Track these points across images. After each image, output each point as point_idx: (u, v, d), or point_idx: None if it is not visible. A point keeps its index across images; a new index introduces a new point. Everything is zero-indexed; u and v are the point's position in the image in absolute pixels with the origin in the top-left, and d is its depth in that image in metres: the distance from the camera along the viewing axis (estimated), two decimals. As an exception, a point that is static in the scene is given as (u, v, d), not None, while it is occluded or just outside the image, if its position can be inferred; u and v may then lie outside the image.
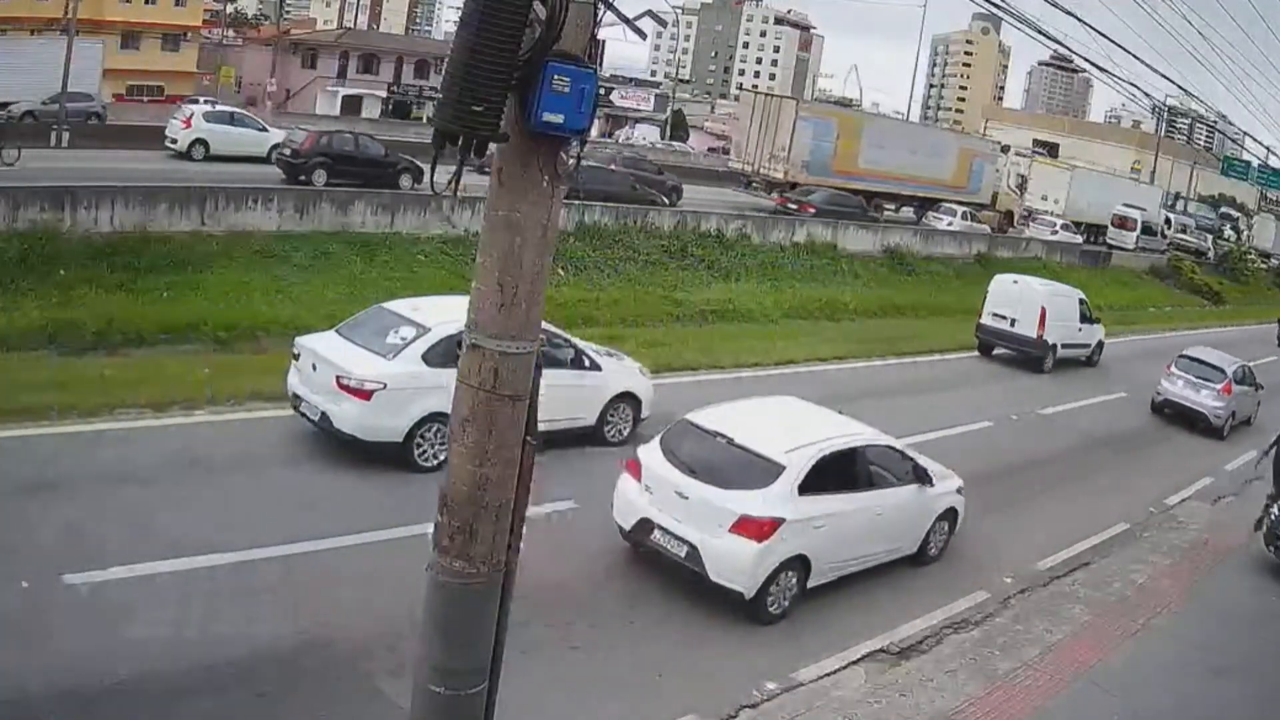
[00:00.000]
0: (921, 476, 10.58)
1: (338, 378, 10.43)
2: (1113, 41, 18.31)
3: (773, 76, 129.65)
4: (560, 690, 7.45)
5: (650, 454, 9.60)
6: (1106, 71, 52.48)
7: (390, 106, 59.27)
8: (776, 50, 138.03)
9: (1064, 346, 22.69)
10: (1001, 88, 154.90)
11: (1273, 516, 13.02)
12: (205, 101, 33.49)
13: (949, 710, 8.24)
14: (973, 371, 21.73)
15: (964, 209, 39.80)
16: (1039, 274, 27.58)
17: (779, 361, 18.96)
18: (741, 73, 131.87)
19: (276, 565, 8.48)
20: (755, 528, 8.70)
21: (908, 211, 39.84)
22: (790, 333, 22.26)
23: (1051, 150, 67.44)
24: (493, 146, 3.86)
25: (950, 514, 11.12)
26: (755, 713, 7.86)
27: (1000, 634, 9.83)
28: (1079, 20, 17.39)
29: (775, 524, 8.77)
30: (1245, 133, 56.33)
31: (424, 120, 50.54)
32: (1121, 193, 51.90)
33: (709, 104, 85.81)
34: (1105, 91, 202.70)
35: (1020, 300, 22.13)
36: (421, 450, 10.69)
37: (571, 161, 4.06)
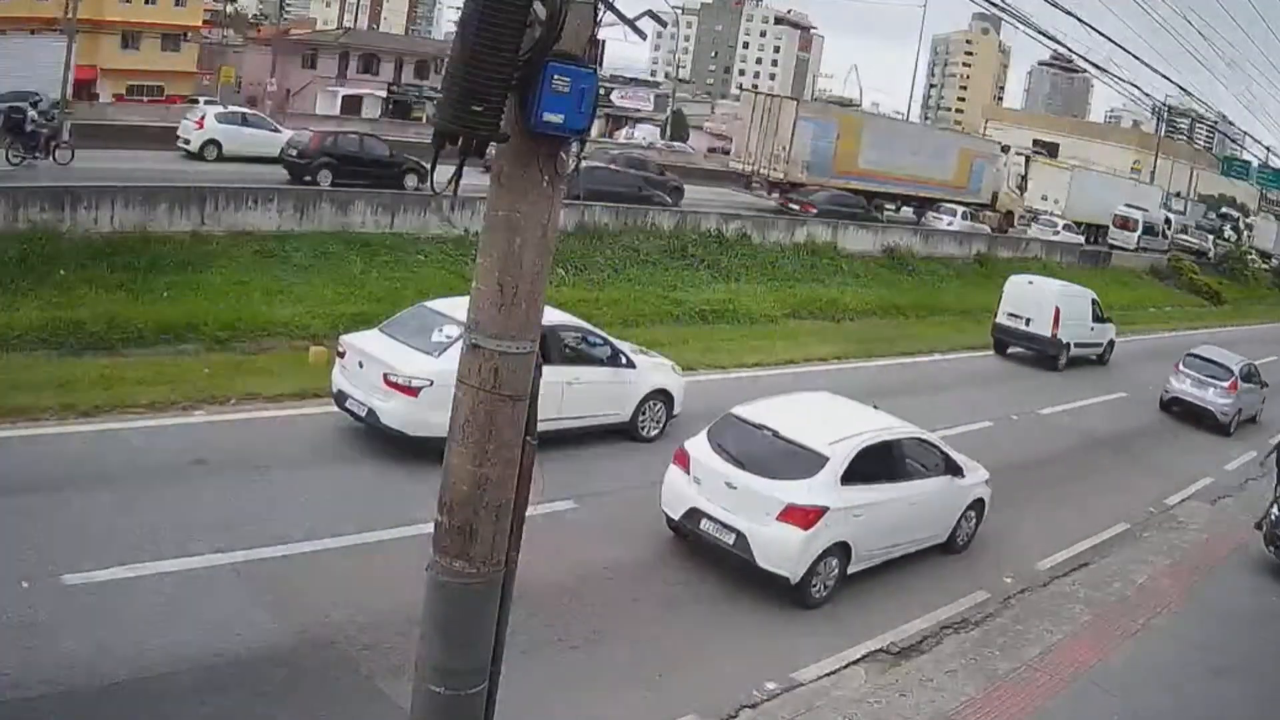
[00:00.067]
0: (952, 468, 11.05)
1: (385, 375, 10.68)
2: (1113, 42, 18.33)
3: (773, 76, 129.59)
4: (560, 690, 7.45)
5: (698, 447, 9.99)
6: (1107, 72, 52.51)
7: (390, 106, 59.19)
8: (776, 50, 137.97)
9: (1077, 345, 23.31)
10: (1001, 88, 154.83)
11: (1273, 516, 13.04)
12: (207, 102, 33.43)
13: (949, 710, 8.24)
14: (973, 371, 21.75)
15: (964, 209, 39.82)
16: (1039, 274, 27.61)
17: (779, 361, 18.97)
18: (741, 73, 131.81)
19: (277, 565, 8.48)
20: (801, 516, 9.11)
21: (908, 211, 39.83)
22: (790, 333, 22.28)
23: (1051, 150, 67.34)
24: (493, 146, 3.86)
25: (978, 505, 11.58)
26: (755, 713, 7.86)
27: (1000, 634, 9.84)
28: (1079, 20, 17.42)
29: (820, 512, 9.17)
30: (1245, 133, 56.28)
31: (424, 120, 50.49)
32: (1121, 193, 51.95)
33: (709, 104, 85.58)
34: (1105, 91, 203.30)
35: (1035, 300, 22.81)
36: None
37: (572, 162, 4.06)
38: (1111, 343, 24.89)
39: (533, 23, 3.67)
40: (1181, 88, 41.30)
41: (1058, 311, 22.57)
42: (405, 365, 10.68)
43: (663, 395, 13.11)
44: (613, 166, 30.41)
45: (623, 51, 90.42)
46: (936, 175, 39.75)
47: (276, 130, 27.92)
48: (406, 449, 10.73)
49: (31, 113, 22.70)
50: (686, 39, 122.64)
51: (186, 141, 26.99)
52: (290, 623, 7.73)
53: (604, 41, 4.22)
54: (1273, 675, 10.26)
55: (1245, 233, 65.84)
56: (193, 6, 56.98)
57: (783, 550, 9.16)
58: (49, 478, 9.42)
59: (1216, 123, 73.56)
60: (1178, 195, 66.92)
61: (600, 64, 4.17)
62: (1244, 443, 19.63)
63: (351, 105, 57.14)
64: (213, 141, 26.86)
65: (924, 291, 29.81)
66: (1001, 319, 23.28)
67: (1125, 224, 48.08)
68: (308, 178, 23.52)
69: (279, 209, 19.73)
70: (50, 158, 22.10)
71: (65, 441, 10.45)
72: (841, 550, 9.56)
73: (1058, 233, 44.10)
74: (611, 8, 4.00)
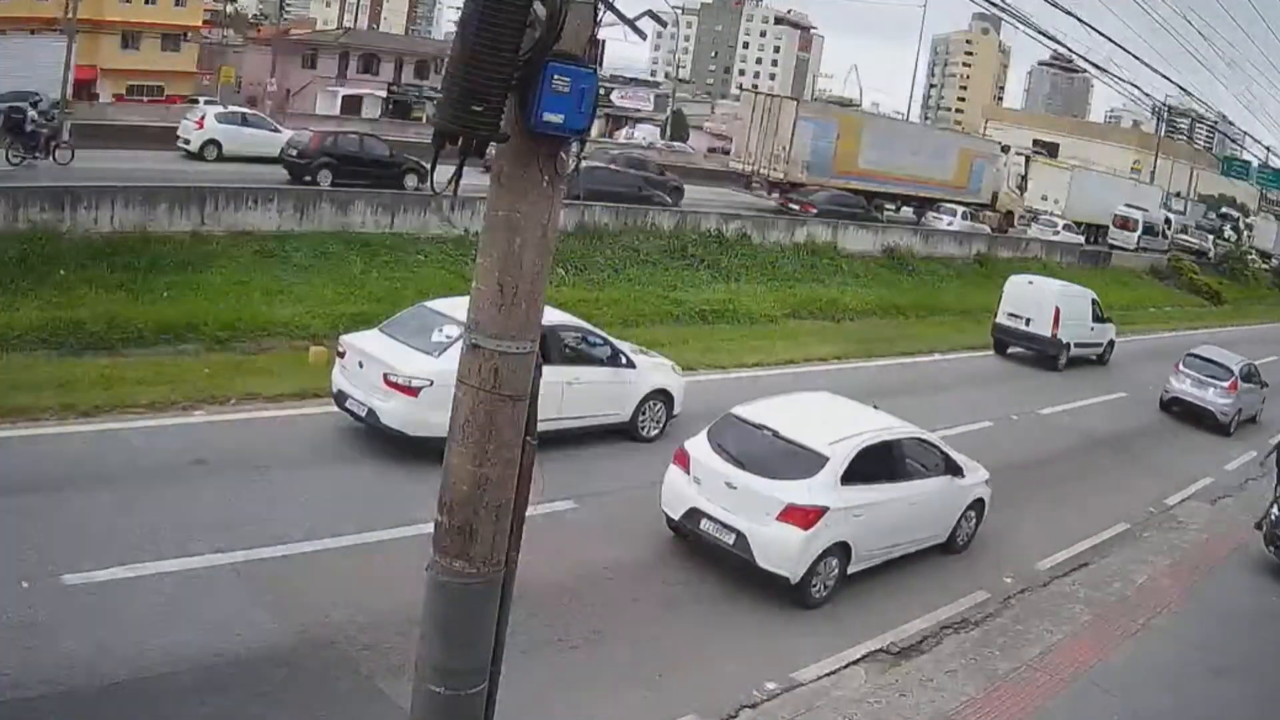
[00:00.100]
0: (952, 468, 11.07)
1: (385, 375, 10.70)
2: (1113, 42, 18.34)
3: (773, 76, 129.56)
4: (560, 690, 7.45)
5: (698, 447, 10.00)
6: (1107, 72, 52.51)
7: (390, 106, 59.18)
8: (776, 50, 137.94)
9: (1077, 345, 23.37)
10: (1001, 88, 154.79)
11: (1273, 516, 13.04)
12: (207, 102, 33.37)
13: (949, 710, 8.24)
14: (972, 371, 21.75)
15: (964, 209, 39.82)
16: (1039, 274, 27.65)
17: (779, 362, 18.97)
18: (741, 73, 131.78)
19: (277, 565, 8.48)
20: (801, 516, 9.13)
21: (908, 211, 39.83)
22: (790, 333, 22.29)
23: (1051, 150, 67.36)
24: (493, 146, 3.86)
25: (978, 505, 11.60)
26: (755, 713, 7.86)
27: (1000, 634, 9.84)
28: (1079, 20, 17.43)
29: (820, 512, 9.19)
30: (1245, 132, 56.28)
31: (424, 120, 50.48)
32: (1121, 193, 51.95)
33: (709, 104, 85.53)
34: (1105, 91, 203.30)
35: (1035, 300, 22.88)
36: None
37: (572, 162, 4.06)
38: (1111, 343, 24.93)
39: (533, 23, 3.67)
40: (1181, 88, 41.42)
41: (1058, 311, 22.62)
42: (405, 365, 10.69)
43: (663, 395, 13.12)
44: (613, 166, 30.40)
45: (623, 51, 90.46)
46: (936, 175, 39.75)
47: (276, 130, 27.94)
48: (406, 449, 10.73)
49: (31, 113, 22.73)
50: (686, 39, 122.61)
51: (186, 141, 27.01)
52: (290, 623, 7.73)
53: (604, 41, 4.22)
54: (1273, 675, 10.26)
55: (1245, 233, 65.85)
56: (193, 6, 56.99)
57: (783, 550, 9.17)
58: (49, 478, 9.42)
59: (1216, 123, 73.54)
60: (1178, 195, 66.93)
61: (600, 64, 4.17)
62: (1244, 443, 19.64)
63: (351, 105, 57.12)
64: (213, 141, 26.88)
65: (924, 291, 29.81)
66: (1001, 319, 23.33)
67: (1125, 224, 48.11)
68: (308, 178, 23.52)
69: (279, 209, 19.73)
70: (50, 158, 22.12)
71: (65, 441, 10.45)
72: (841, 550, 9.57)
73: (1058, 233, 44.12)
74: (611, 8, 4.00)
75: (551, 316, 12.08)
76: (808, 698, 8.14)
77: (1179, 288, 44.41)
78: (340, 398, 11.38)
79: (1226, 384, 20.39)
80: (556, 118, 3.79)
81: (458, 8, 5.70)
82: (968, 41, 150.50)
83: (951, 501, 11.15)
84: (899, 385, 18.53)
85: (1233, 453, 18.92)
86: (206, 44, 61.27)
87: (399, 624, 7.01)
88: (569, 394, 11.39)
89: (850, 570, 9.79)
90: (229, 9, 76.27)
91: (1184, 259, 48.09)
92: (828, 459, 9.47)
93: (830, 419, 10.49)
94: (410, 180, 24.93)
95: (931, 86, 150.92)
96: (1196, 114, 70.49)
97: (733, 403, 10.65)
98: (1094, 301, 24.13)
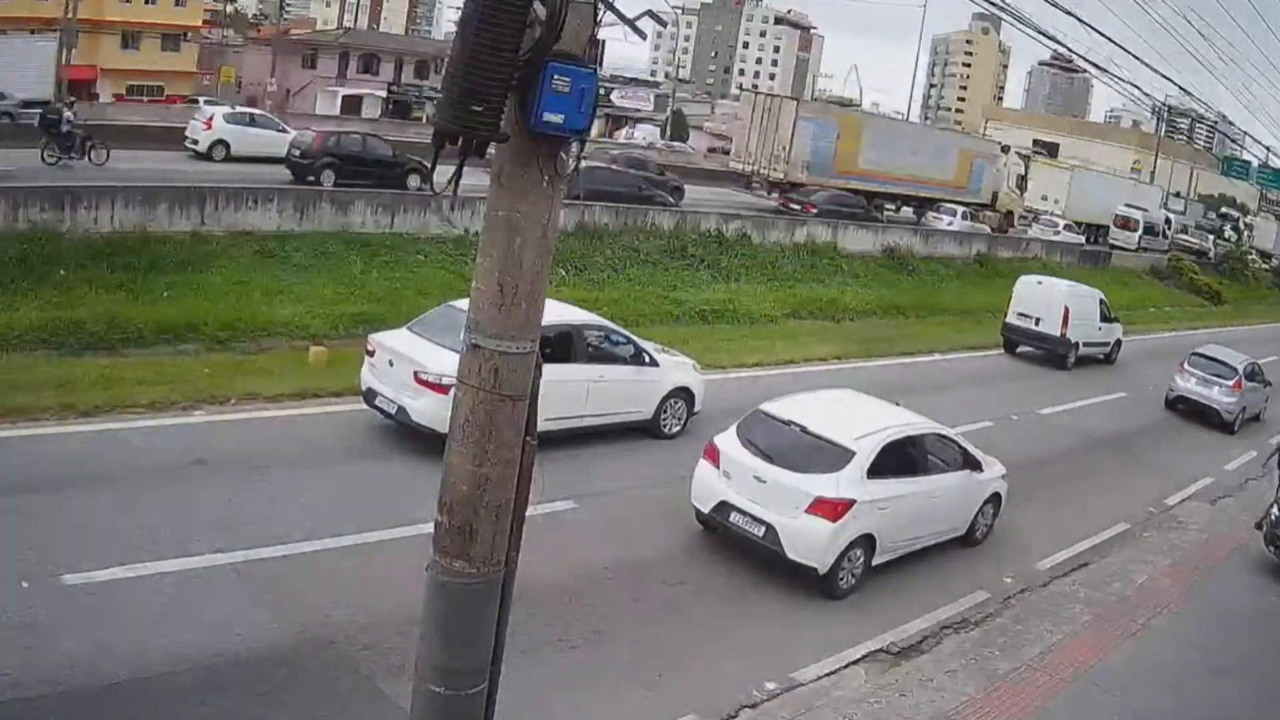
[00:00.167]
0: (971, 463, 11.38)
1: (415, 373, 10.85)
2: (1113, 42, 18.34)
3: (773, 76, 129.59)
4: (560, 690, 7.45)
5: (728, 442, 10.23)
6: (1107, 72, 52.51)
7: (390, 106, 59.20)
8: (776, 50, 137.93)
9: (1085, 345, 23.66)
10: (1001, 88, 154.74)
11: (1273, 516, 13.03)
12: (207, 102, 33.36)
13: (949, 710, 8.24)
14: (972, 371, 21.75)
15: (964, 209, 39.81)
16: (1039, 274, 27.66)
17: (779, 361, 18.98)
18: (741, 73, 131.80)
19: (277, 565, 8.48)
20: (829, 508, 9.38)
21: (908, 211, 39.83)
22: (790, 333, 22.29)
23: (1051, 150, 67.38)
24: (493, 146, 3.86)
25: (995, 499, 11.83)
26: (755, 713, 7.86)
27: (1000, 634, 9.84)
28: (1079, 20, 17.43)
29: (847, 505, 9.43)
30: (1245, 132, 56.24)
31: (424, 120, 50.49)
32: (1121, 193, 51.96)
33: (709, 104, 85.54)
34: (1105, 91, 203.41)
35: (1044, 300, 23.14)
36: None
37: (572, 162, 4.06)
38: (1119, 342, 25.17)
39: (533, 23, 3.67)
40: (1181, 88, 41.37)
41: (1067, 311, 22.81)
42: (435, 363, 10.75)
43: (684, 393, 13.32)
44: (613, 166, 30.39)
45: (623, 51, 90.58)
46: (936, 175, 39.75)
47: (283, 130, 27.98)
48: (406, 449, 10.75)
49: (68, 114, 22.85)
50: (686, 39, 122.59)
51: (195, 142, 27.09)
52: (290, 623, 7.73)
53: (604, 41, 4.23)
54: (1273, 675, 10.26)
55: (1245, 233, 65.87)
56: (193, 6, 56.97)
57: (811, 542, 9.39)
58: (49, 478, 9.42)
59: (1216, 123, 73.54)
60: (1178, 195, 66.87)
61: (600, 64, 4.17)
62: (1244, 442, 19.66)
63: (351, 105, 57.14)
64: (221, 142, 27.01)
65: (924, 291, 29.81)
66: (1011, 319, 23.58)
67: (1126, 224, 48.17)
68: (311, 178, 23.53)
69: (279, 209, 19.72)
70: (86, 158, 22.27)
71: (65, 441, 10.45)
72: (867, 542, 9.80)
73: (1058, 233, 44.14)
74: (611, 8, 4.00)
75: (576, 316, 12.26)
76: (808, 698, 8.14)
77: (1179, 288, 44.42)
78: (370, 396, 11.52)
79: (1231, 382, 20.58)
80: (556, 118, 3.79)
81: (458, 8, 5.70)
82: (968, 41, 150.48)
83: (970, 495, 11.39)
84: (899, 385, 18.49)
85: (1233, 453, 18.93)
86: (206, 44, 61.26)
87: (399, 624, 7.01)
88: (594, 392, 11.54)
89: (875, 562, 10.01)
90: (229, 9, 76.28)
91: (1184, 259, 48.11)
92: (854, 453, 9.70)
93: (855, 415, 10.80)
94: (413, 180, 24.91)
95: (931, 86, 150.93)
96: (1196, 114, 70.51)
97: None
98: (1102, 301, 24.35)
